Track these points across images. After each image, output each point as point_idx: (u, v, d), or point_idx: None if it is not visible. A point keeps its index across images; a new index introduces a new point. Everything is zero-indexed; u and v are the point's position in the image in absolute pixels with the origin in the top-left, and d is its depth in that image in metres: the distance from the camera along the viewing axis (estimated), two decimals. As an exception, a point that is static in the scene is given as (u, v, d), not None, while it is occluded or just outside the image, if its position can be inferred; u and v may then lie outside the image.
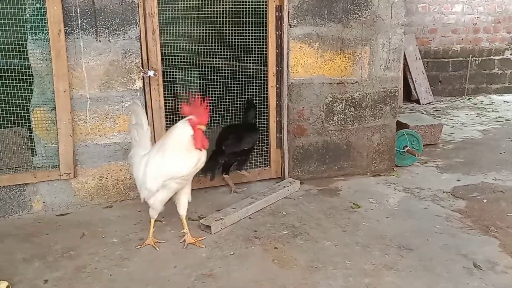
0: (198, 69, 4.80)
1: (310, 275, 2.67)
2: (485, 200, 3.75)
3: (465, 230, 3.23)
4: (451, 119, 6.73)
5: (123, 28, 3.44)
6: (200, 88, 5.04)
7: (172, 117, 3.79)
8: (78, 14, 3.34)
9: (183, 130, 2.73)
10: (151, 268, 2.76)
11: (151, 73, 3.53)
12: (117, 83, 3.50)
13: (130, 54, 3.49)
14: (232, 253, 2.90)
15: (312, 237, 3.12)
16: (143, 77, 3.55)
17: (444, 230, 3.24)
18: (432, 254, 2.89)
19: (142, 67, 3.52)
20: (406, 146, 4.58)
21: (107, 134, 3.56)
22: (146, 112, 3.58)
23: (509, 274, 2.68)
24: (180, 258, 2.85)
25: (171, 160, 2.74)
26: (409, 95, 7.90)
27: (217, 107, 4.03)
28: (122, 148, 3.60)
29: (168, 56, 3.94)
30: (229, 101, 4.02)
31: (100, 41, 3.41)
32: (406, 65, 7.74)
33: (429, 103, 7.82)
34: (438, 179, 4.24)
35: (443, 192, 3.92)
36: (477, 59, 8.67)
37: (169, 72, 4.10)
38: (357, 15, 4.02)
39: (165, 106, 3.70)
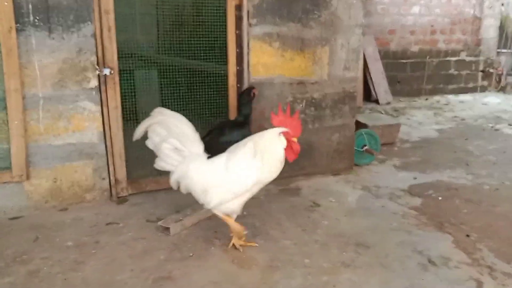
0: (157, 68, 4.73)
1: (269, 274, 2.67)
2: (440, 198, 3.85)
3: (420, 227, 3.31)
4: (409, 119, 6.90)
5: (77, 25, 3.34)
6: (160, 87, 4.98)
7: (130, 116, 3.73)
8: (30, 10, 3.22)
9: (279, 144, 2.73)
10: (107, 272, 2.69)
11: (106, 71, 3.44)
12: (71, 82, 3.39)
13: (85, 52, 3.39)
14: (191, 254, 2.87)
15: (272, 237, 3.13)
16: (99, 76, 3.45)
17: (400, 227, 3.31)
18: (389, 251, 2.95)
19: (98, 65, 3.43)
20: (365, 146, 4.66)
21: (61, 134, 3.44)
22: (102, 112, 3.50)
23: (461, 269, 2.76)
24: (138, 261, 2.79)
25: (262, 166, 2.73)
26: (368, 95, 8.04)
27: (177, 106, 3.98)
28: (77, 149, 3.50)
29: (126, 54, 3.86)
30: (189, 100, 3.98)
31: (53, 38, 3.30)
32: (366, 65, 7.89)
33: (388, 103, 8.00)
34: (395, 177, 4.34)
35: (400, 190, 4.01)
36: (434, 60, 8.92)
37: (127, 70, 4.03)
38: (316, 15, 4.06)
39: (122, 105, 3.61)
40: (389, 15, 8.53)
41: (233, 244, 2.94)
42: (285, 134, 2.72)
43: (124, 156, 3.67)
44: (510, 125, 6.52)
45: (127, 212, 3.47)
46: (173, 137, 2.88)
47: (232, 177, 2.77)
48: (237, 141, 3.25)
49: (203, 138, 3.64)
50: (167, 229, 3.08)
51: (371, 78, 7.95)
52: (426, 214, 3.53)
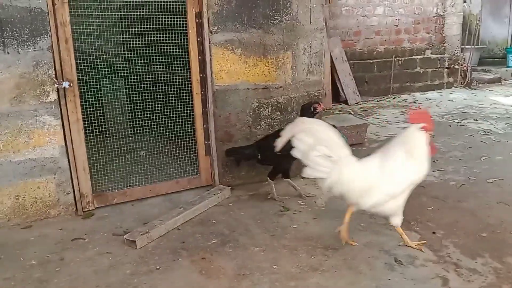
0: (122, 77, 4.67)
1: (237, 283, 2.65)
2: (406, 196, 3.89)
3: (388, 226, 3.32)
4: (377, 118, 6.99)
5: (33, 38, 3.27)
6: (125, 96, 4.92)
7: (92, 129, 3.66)
8: (-17, 25, 3.14)
9: (423, 137, 2.80)
10: (71, 289, 2.63)
11: (66, 84, 3.38)
12: (29, 97, 3.32)
13: (42, 66, 3.32)
14: (158, 267, 2.83)
15: (241, 244, 3.11)
16: (58, 89, 3.38)
17: (368, 227, 3.33)
18: (356, 252, 2.97)
19: (56, 79, 3.36)
20: (333, 147, 4.68)
21: (21, 150, 3.36)
22: (63, 125, 3.44)
23: (427, 267, 2.80)
24: (103, 277, 2.74)
25: (417, 164, 2.81)
26: (337, 96, 8.12)
27: (142, 114, 3.95)
28: (39, 165, 3.42)
29: (88, 65, 3.79)
30: (154, 109, 3.94)
31: (8, 53, 3.22)
32: (333, 67, 7.96)
33: (357, 103, 8.09)
34: (364, 178, 4.37)
35: (368, 190, 4.04)
36: (400, 59, 9.07)
37: (90, 81, 3.96)
38: (277, 21, 4.07)
39: (84, 118, 3.55)
40: (354, 16, 8.64)
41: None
42: (425, 129, 2.79)
43: (89, 169, 3.61)
44: (475, 120, 6.66)
45: (93, 227, 3.40)
46: (321, 144, 2.90)
47: (388, 179, 2.84)
48: (288, 148, 3.14)
49: (257, 141, 3.91)
50: (134, 242, 3.03)
51: (339, 79, 8.03)
52: (393, 213, 3.56)
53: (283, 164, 3.82)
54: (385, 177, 2.85)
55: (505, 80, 10.46)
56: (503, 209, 3.59)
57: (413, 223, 3.37)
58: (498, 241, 3.08)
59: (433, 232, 3.22)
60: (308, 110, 3.70)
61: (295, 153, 2.97)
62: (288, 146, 3.28)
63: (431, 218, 3.46)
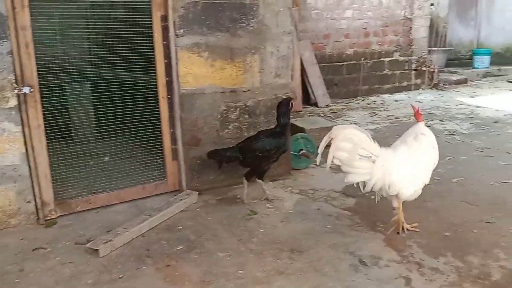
0: (88, 81, 4.60)
1: (202, 289, 2.63)
2: (372, 197, 3.91)
3: (353, 227, 3.38)
4: (346, 120, 7.06)
5: (-9, 43, 3.18)
6: (91, 101, 4.85)
7: (55, 135, 3.58)
8: None
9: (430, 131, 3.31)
10: (31, 301, 2.56)
11: (26, 89, 3.29)
12: (-13, 103, 3.22)
13: (2, 71, 3.23)
14: (121, 276, 2.78)
15: (207, 250, 3.09)
16: (18, 95, 3.30)
17: (334, 229, 3.36)
18: (322, 255, 2.98)
19: (17, 84, 3.27)
20: (302, 150, 4.71)
21: (-21, 158, 3.26)
22: (23, 132, 3.35)
23: (391, 267, 2.84)
24: (64, 287, 2.67)
25: (435, 153, 3.28)
26: (308, 98, 8.16)
27: (109, 119, 3.88)
28: (-2, 173, 3.32)
29: (52, 69, 3.71)
30: (120, 113, 3.89)
31: (-36, 58, 3.12)
32: (303, 70, 7.99)
33: (327, 105, 8.15)
34: (331, 180, 4.40)
35: (335, 192, 4.08)
36: (369, 61, 9.18)
37: (53, 86, 3.88)
38: (244, 24, 4.07)
39: (46, 123, 3.47)
40: (324, 19, 8.71)
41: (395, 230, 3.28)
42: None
43: (51, 177, 3.52)
44: (441, 121, 6.80)
45: (55, 235, 3.32)
46: (359, 147, 3.03)
47: (422, 166, 3.17)
48: (268, 149, 3.72)
49: (238, 143, 3.92)
50: (96, 250, 2.97)
51: (309, 82, 8.08)
52: (359, 214, 3.61)
53: (263, 165, 3.88)
54: (420, 166, 3.18)
55: (471, 81, 10.72)
56: (466, 208, 3.67)
57: (378, 224, 3.42)
58: (460, 240, 3.15)
59: (397, 232, 3.26)
60: (287, 107, 3.83)
61: (336, 162, 3.11)
62: (270, 148, 3.73)
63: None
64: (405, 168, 3.13)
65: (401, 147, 3.24)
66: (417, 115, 3.33)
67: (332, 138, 3.12)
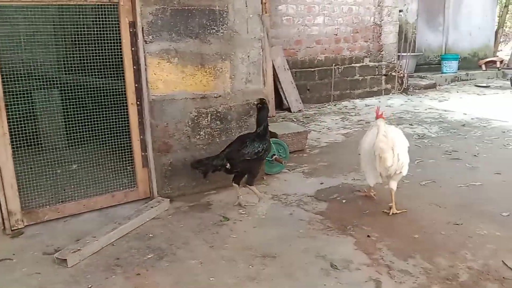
0: (56, 87, 4.50)
1: (172, 298, 2.60)
2: (344, 201, 3.99)
3: (325, 231, 3.40)
4: (319, 125, 7.13)
5: (-49, 49, 3.09)
6: (58, 108, 4.75)
7: (21, 143, 3.49)
8: None
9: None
10: (-5, 315, 2.48)
11: (-11, 97, 3.21)
12: None
13: (-37, 78, 3.15)
14: (90, 286, 2.72)
15: (178, 258, 3.06)
16: (-19, 103, 3.21)
17: (306, 233, 3.37)
18: (293, 259, 2.99)
19: (-21, 92, 3.19)
20: (274, 155, 4.73)
21: None
22: (-13, 140, 3.26)
23: (362, 270, 2.86)
24: (31, 299, 2.60)
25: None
26: (281, 104, 8.21)
27: (76, 126, 3.81)
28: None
29: (15, 76, 3.62)
30: (88, 120, 3.82)
31: None
32: (276, 75, 8.05)
33: (300, 110, 8.21)
34: (304, 184, 4.44)
35: (307, 196, 4.10)
36: (340, 67, 9.31)
37: (19, 92, 3.79)
38: (214, 30, 4.06)
39: (12, 131, 3.38)
40: (295, 26, 8.79)
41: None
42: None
43: (17, 186, 3.43)
44: (410, 125, 6.93)
45: (22, 246, 3.23)
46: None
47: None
48: (257, 152, 3.81)
49: (223, 151, 3.87)
50: (64, 260, 2.91)
51: (281, 87, 8.13)
52: (330, 218, 3.63)
53: (256, 169, 3.96)
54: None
55: (440, 86, 11.00)
56: (434, 210, 3.74)
57: (349, 227, 3.45)
58: (429, 242, 3.20)
59: (368, 236, 3.30)
60: (267, 108, 3.93)
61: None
62: (259, 150, 3.82)
63: (366, 221, 3.55)
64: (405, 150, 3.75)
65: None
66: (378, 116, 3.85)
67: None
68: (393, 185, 3.74)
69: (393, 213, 3.68)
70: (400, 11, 10.58)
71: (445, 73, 11.90)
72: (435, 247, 3.12)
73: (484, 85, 11.16)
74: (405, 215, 3.65)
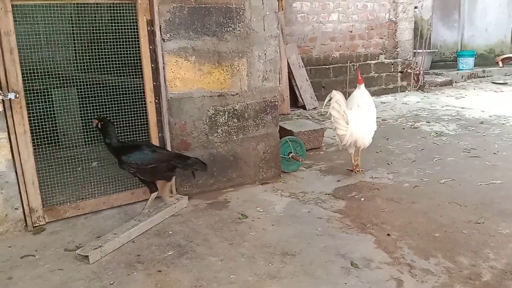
0: (75, 86, 4.54)
1: (194, 295, 2.61)
2: (362, 199, 3.96)
3: (344, 229, 3.38)
4: (334, 123, 7.08)
5: (-25, 48, 3.13)
6: (78, 106, 4.79)
7: (42, 141, 3.53)
8: None
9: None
10: (19, 310, 2.52)
11: (11, 95, 3.24)
12: (-28, 109, 3.17)
13: (-15, 77, 3.18)
14: (112, 282, 2.74)
15: (198, 255, 3.07)
16: (3, 101, 3.24)
17: (325, 231, 3.36)
18: (313, 258, 2.98)
19: (1, 90, 3.22)
20: (291, 152, 4.72)
21: (-36, 165, 3.20)
22: (9, 138, 3.30)
23: (382, 269, 2.84)
24: (54, 295, 2.64)
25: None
26: (296, 101, 8.19)
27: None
28: (-16, 179, 3.26)
29: (37, 74, 3.66)
30: (109, 118, 3.84)
31: None
32: (290, 73, 8.03)
33: (315, 108, 8.18)
34: (321, 182, 4.42)
35: (325, 194, 4.09)
36: (355, 64, 9.25)
37: (39, 91, 3.83)
38: (231, 28, 4.06)
39: (33, 129, 3.42)
40: (310, 23, 8.75)
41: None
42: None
43: (38, 183, 3.47)
44: (428, 122, 6.87)
45: (44, 242, 3.27)
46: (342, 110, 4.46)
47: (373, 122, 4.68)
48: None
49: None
50: (86, 257, 2.94)
51: (296, 85, 8.10)
52: (349, 216, 3.61)
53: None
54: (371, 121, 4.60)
55: (456, 83, 10.87)
56: (454, 209, 3.70)
57: (369, 226, 3.43)
58: (450, 241, 3.17)
59: (388, 234, 3.28)
60: (109, 122, 3.59)
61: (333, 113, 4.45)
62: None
63: (385, 220, 3.53)
64: (365, 125, 4.53)
65: (357, 109, 4.54)
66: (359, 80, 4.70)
67: (331, 98, 4.42)
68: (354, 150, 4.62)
69: (356, 171, 4.62)
70: (415, 7, 10.48)
71: (461, 70, 11.75)
72: (457, 246, 3.09)
73: (501, 82, 11.00)
74: (424, 214, 3.62)
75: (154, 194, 3.67)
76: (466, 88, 10.20)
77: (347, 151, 4.71)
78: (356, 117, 4.46)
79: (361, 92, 4.66)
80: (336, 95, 4.40)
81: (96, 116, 3.65)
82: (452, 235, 3.26)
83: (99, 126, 3.56)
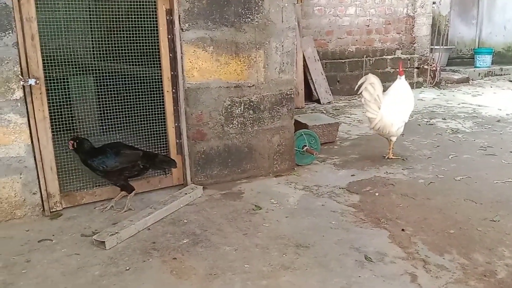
0: (92, 74, 4.58)
1: (208, 283, 2.63)
2: (377, 194, 3.95)
3: (358, 224, 3.38)
4: (349, 117, 7.07)
5: (-3, 34, 3.17)
6: (95, 94, 4.83)
7: (60, 127, 3.57)
8: None
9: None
10: (37, 292, 2.56)
11: (32, 81, 3.29)
12: (-7, 94, 3.21)
13: (7, 62, 3.22)
14: (128, 268, 2.78)
15: (212, 244, 3.09)
16: (24, 86, 3.29)
17: (339, 225, 3.36)
18: (327, 250, 2.98)
19: (22, 76, 3.27)
20: (305, 146, 4.72)
21: (-16, 149, 3.26)
22: (29, 124, 3.35)
23: (396, 263, 2.84)
24: (71, 279, 2.67)
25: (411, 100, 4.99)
26: (310, 95, 8.17)
27: (113, 112, 3.87)
28: (3, 164, 3.31)
29: (56, 61, 3.70)
30: (124, 107, 3.88)
31: (-29, 49, 3.12)
32: (306, 66, 8.01)
33: (329, 102, 8.15)
34: (335, 176, 4.42)
35: (339, 188, 4.08)
36: (371, 59, 9.18)
37: (58, 78, 3.87)
38: (249, 19, 4.06)
39: (51, 116, 3.47)
40: (326, 16, 8.70)
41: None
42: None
43: (56, 169, 3.52)
44: (444, 119, 6.81)
45: (61, 227, 3.32)
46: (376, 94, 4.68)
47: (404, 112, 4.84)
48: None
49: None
50: (103, 243, 2.98)
51: (311, 78, 8.08)
52: (363, 210, 3.61)
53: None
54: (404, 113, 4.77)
55: (473, 80, 10.73)
56: (470, 206, 3.67)
57: (383, 221, 3.42)
58: (465, 238, 3.15)
59: (402, 229, 3.27)
60: (85, 141, 3.55)
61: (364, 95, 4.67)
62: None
63: (400, 215, 3.51)
64: (396, 114, 4.66)
65: (393, 98, 4.73)
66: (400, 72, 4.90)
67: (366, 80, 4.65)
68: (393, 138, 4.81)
69: (388, 158, 4.83)
70: (434, 2, 10.34)
71: (478, 67, 11.60)
72: (472, 243, 3.07)
73: (519, 80, 10.85)
74: (439, 210, 3.60)
75: (132, 193, 3.66)
76: (483, 86, 10.07)
77: (362, 146, 4.71)
78: (390, 104, 4.64)
79: (401, 83, 4.86)
80: (372, 78, 4.61)
81: (71, 136, 3.59)
82: (467, 232, 3.24)
83: (75, 145, 3.50)
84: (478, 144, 5.41)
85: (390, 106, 4.65)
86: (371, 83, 4.59)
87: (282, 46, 4.28)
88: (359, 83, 4.69)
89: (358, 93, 4.75)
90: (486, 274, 2.71)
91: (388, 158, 4.85)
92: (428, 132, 6.05)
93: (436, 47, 10.26)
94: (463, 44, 12.63)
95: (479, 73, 11.30)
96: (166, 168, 3.93)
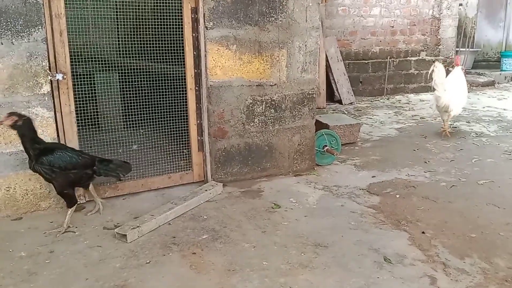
0: (117, 71, 4.66)
1: (227, 278, 2.66)
2: (397, 196, 3.92)
3: (378, 225, 3.37)
4: (371, 118, 7.02)
5: (27, 29, 3.25)
6: (120, 90, 4.92)
7: (85, 122, 3.65)
8: (-23, 15, 3.12)
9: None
10: (60, 282, 2.62)
11: (59, 76, 3.37)
12: (22, 88, 3.30)
13: (36, 57, 3.31)
14: (148, 261, 2.83)
15: (231, 240, 3.12)
16: (51, 81, 3.37)
17: (358, 226, 3.35)
18: (346, 250, 2.98)
19: (50, 70, 3.35)
20: (326, 146, 4.71)
21: (13, 141, 3.34)
22: (55, 118, 3.43)
23: (416, 266, 2.82)
24: (93, 270, 2.73)
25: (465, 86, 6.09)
26: (332, 95, 8.14)
27: (137, 109, 3.94)
28: (30, 156, 3.40)
29: (83, 57, 3.78)
30: (147, 103, 3.94)
31: (2, 44, 3.20)
32: (328, 66, 7.98)
33: (351, 103, 8.11)
34: (355, 177, 4.40)
35: (359, 189, 4.06)
36: (395, 60, 9.10)
37: (84, 74, 3.96)
38: (273, 18, 4.07)
39: (76, 110, 3.54)
40: (350, 16, 8.66)
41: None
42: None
43: (80, 163, 3.59)
44: (468, 122, 6.70)
45: (84, 220, 3.40)
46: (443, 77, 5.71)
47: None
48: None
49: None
50: (124, 236, 3.03)
51: (333, 78, 8.05)
52: (383, 212, 3.59)
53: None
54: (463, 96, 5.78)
55: (498, 84, 10.53)
56: (492, 211, 3.62)
57: (403, 222, 3.40)
58: (487, 242, 3.11)
59: (423, 232, 3.24)
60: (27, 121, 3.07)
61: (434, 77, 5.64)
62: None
63: (421, 218, 3.48)
64: (458, 95, 5.66)
65: (454, 82, 5.67)
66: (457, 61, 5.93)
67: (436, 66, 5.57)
68: (445, 117, 5.76)
69: (446, 133, 5.75)
70: (460, 4, 10.19)
71: (505, 70, 11.37)
72: (493, 248, 3.03)
73: (547, 84, 10.59)
74: (461, 214, 3.55)
75: (74, 208, 3.31)
76: (508, 90, 9.87)
77: (383, 148, 4.62)
78: (453, 86, 5.63)
79: (458, 72, 5.80)
80: (439, 65, 5.58)
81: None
82: (489, 236, 3.20)
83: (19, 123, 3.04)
84: (503, 148, 5.31)
85: (454, 88, 5.63)
86: (440, 69, 5.53)
87: (305, 45, 4.29)
88: (431, 68, 5.63)
89: (429, 78, 5.84)
90: (507, 279, 2.67)
91: (445, 132, 5.78)
92: (452, 135, 5.96)
93: (461, 49, 10.11)
94: (489, 47, 12.39)
95: (505, 77, 11.08)
96: (122, 173, 3.45)
